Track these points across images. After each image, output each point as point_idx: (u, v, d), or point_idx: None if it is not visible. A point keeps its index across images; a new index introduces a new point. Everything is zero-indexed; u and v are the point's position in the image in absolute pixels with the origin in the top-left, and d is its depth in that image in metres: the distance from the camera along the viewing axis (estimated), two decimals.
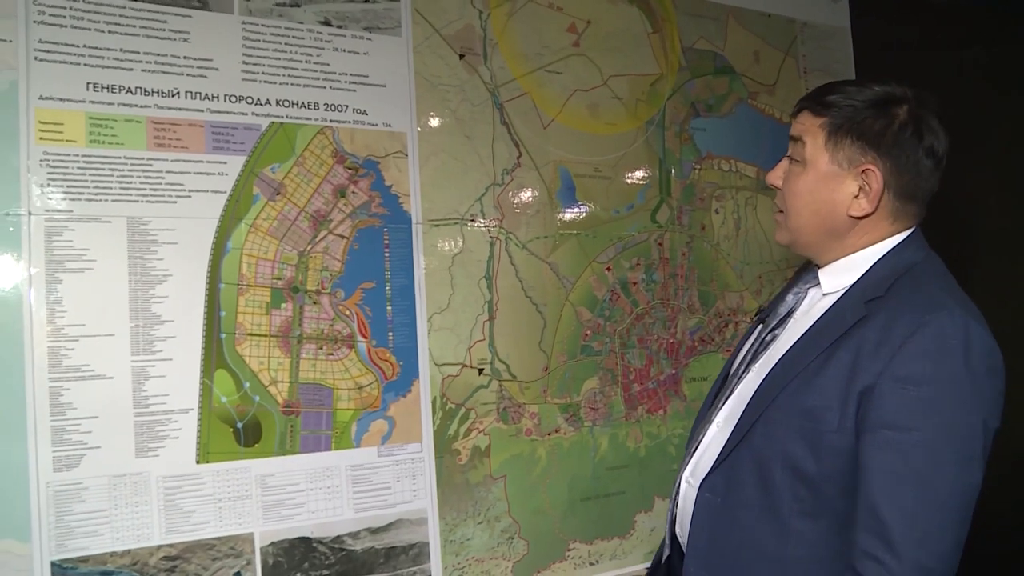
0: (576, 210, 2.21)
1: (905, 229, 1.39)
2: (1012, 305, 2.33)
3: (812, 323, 1.38)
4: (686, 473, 1.50)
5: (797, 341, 1.38)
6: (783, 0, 2.58)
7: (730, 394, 1.48)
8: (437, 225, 2.02)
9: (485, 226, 2.08)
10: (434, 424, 1.98)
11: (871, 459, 1.21)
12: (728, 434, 1.41)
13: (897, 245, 1.38)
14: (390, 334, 1.95)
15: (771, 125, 2.53)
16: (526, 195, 2.14)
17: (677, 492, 1.51)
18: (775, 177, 1.47)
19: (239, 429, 1.78)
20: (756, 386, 1.40)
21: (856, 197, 1.36)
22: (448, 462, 1.99)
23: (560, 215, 2.19)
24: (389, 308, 1.95)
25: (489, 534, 2.03)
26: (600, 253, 2.24)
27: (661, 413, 2.30)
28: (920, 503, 1.17)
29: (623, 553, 2.21)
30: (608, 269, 2.24)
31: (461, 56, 2.07)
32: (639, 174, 2.31)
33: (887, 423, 1.20)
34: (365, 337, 1.92)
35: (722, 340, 2.39)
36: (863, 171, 1.34)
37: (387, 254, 1.96)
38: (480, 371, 2.05)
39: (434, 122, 2.03)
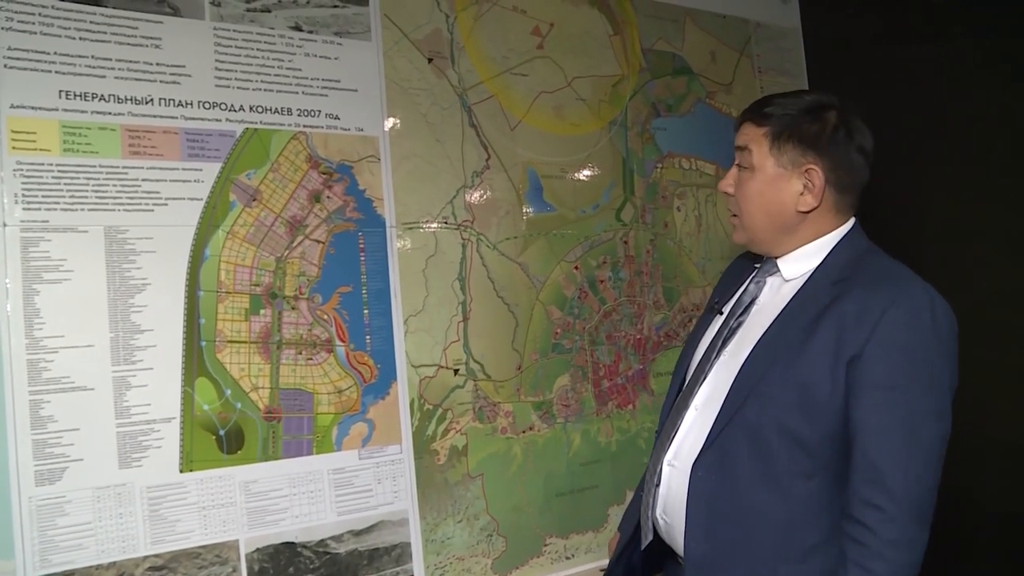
0: (544, 210, 2.25)
1: (846, 220, 1.55)
2: (963, 295, 2.42)
3: (783, 307, 1.50)
4: (668, 457, 1.57)
5: (773, 323, 1.49)
6: (737, 1, 2.65)
7: (704, 379, 1.57)
8: (411, 228, 2.03)
9: (457, 228, 2.10)
10: (412, 425, 2.00)
11: (865, 417, 1.36)
12: (712, 415, 1.50)
13: (846, 235, 1.53)
14: (368, 337, 1.96)
15: (728, 124, 2.58)
16: (496, 196, 2.17)
17: (658, 478, 1.58)
18: (726, 185, 1.61)
19: (221, 436, 1.78)
20: (736, 368, 1.50)
21: (802, 194, 1.50)
22: (427, 462, 2.01)
23: (529, 216, 2.22)
24: (366, 311, 1.96)
25: (469, 532, 2.06)
26: (568, 252, 2.28)
27: (631, 408, 2.35)
28: (909, 452, 1.34)
29: (597, 546, 2.26)
30: (576, 268, 2.28)
31: (430, 60, 2.09)
32: (603, 174, 2.36)
33: (876, 384, 1.35)
34: (343, 341, 1.93)
35: (687, 335, 2.45)
36: (806, 170, 1.49)
37: (363, 258, 1.97)
38: (456, 372, 2.07)
39: (405, 126, 2.05)
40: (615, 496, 2.29)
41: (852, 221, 1.55)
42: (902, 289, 1.39)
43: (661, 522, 1.59)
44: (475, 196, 2.13)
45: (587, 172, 2.33)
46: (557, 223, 2.27)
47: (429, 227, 2.06)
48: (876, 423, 1.35)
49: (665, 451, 1.58)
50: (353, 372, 1.93)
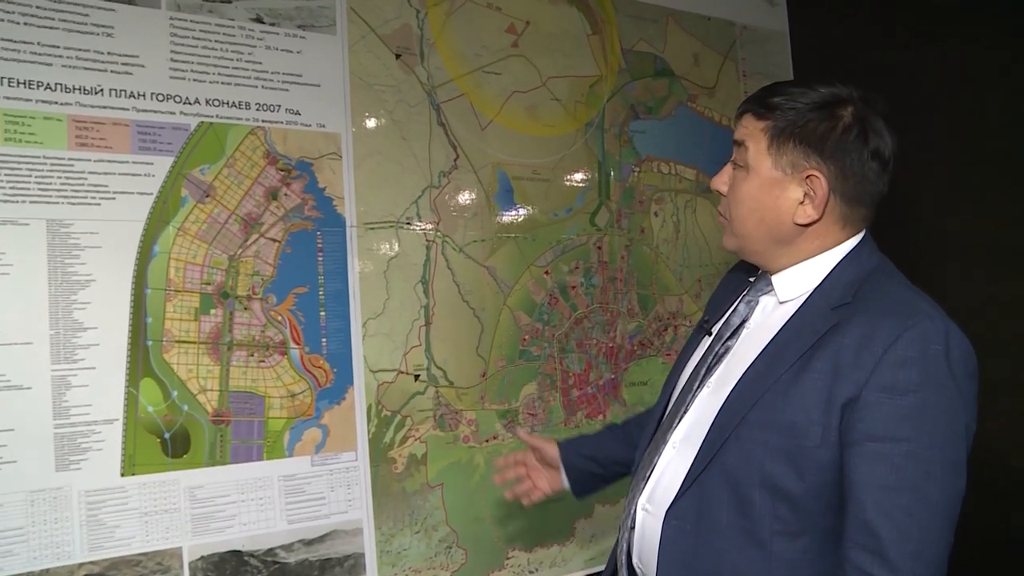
0: (514, 213, 2.18)
1: (856, 233, 1.35)
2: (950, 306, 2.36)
3: (775, 333, 1.32)
4: (642, 500, 1.40)
5: (762, 353, 1.31)
6: (722, 3, 2.58)
7: (685, 412, 1.39)
8: (372, 228, 1.97)
9: (421, 229, 2.04)
10: (369, 432, 1.93)
11: (860, 472, 1.17)
12: (691, 456, 1.33)
13: (852, 250, 1.33)
14: (324, 340, 1.90)
15: (711, 128, 2.53)
16: (463, 198, 2.11)
17: (632, 521, 1.41)
18: (720, 183, 1.41)
19: (166, 440, 1.72)
20: (719, 403, 1.32)
21: (801, 203, 1.30)
22: (384, 471, 1.95)
23: (498, 218, 2.15)
24: (323, 313, 1.90)
25: (426, 544, 1.99)
26: (539, 257, 2.21)
27: (600, 418, 2.28)
28: (913, 515, 1.15)
29: (563, 560, 2.19)
30: (547, 273, 2.22)
31: (397, 56, 2.03)
32: (578, 177, 2.29)
33: (874, 435, 1.17)
34: (298, 343, 1.87)
35: (661, 344, 2.39)
36: (807, 177, 1.29)
37: (320, 258, 1.91)
38: (416, 377, 2.01)
39: (369, 123, 1.99)
40: (581, 509, 2.22)
41: (862, 234, 1.35)
42: (910, 320, 1.19)
43: (638, 571, 1.42)
44: (442, 197, 2.07)
45: (561, 174, 2.26)
46: (528, 226, 2.20)
47: (392, 228, 1.99)
48: (873, 480, 1.16)
49: (640, 492, 1.41)
50: (307, 375, 1.87)
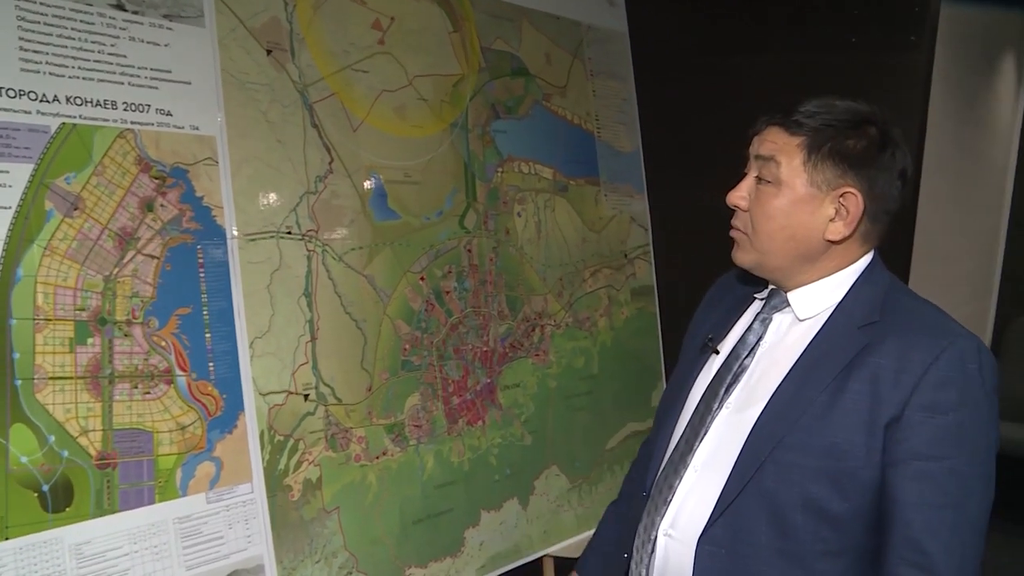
0: (389, 218, 2.08)
1: (869, 251, 1.39)
2: None
3: (799, 352, 1.33)
4: (664, 526, 1.38)
5: (790, 373, 1.32)
6: (569, 3, 2.59)
7: (704, 434, 1.38)
8: (253, 240, 1.81)
9: (302, 238, 1.89)
10: (264, 460, 1.78)
11: (905, 491, 1.21)
12: (717, 480, 1.33)
13: (866, 268, 1.37)
14: (211, 364, 1.72)
15: (564, 127, 2.55)
16: (340, 204, 1.98)
17: (652, 548, 1.39)
18: (738, 198, 1.39)
19: (45, 493, 1.48)
20: (746, 425, 1.32)
21: (832, 220, 1.32)
22: (281, 500, 1.80)
23: (374, 224, 2.05)
24: (208, 335, 1.72)
25: (327, 573, 1.86)
26: (414, 262, 2.12)
27: (480, 424, 2.24)
28: (957, 530, 1.20)
29: (456, 571, 2.13)
30: (422, 279, 2.14)
31: (268, 51, 1.87)
32: (446, 178, 2.22)
33: (919, 453, 1.20)
34: (184, 370, 1.68)
35: (530, 345, 2.38)
36: (842, 194, 1.30)
37: (202, 274, 1.72)
38: (306, 397, 1.87)
39: (244, 125, 1.81)
40: (470, 518, 2.18)
41: (872, 252, 1.39)
42: (946, 340, 1.23)
43: None
44: (319, 203, 1.93)
45: (430, 176, 2.18)
46: (402, 231, 2.11)
47: (273, 238, 1.84)
48: (919, 498, 1.20)
49: (660, 516, 1.39)
50: (196, 404, 1.69)
